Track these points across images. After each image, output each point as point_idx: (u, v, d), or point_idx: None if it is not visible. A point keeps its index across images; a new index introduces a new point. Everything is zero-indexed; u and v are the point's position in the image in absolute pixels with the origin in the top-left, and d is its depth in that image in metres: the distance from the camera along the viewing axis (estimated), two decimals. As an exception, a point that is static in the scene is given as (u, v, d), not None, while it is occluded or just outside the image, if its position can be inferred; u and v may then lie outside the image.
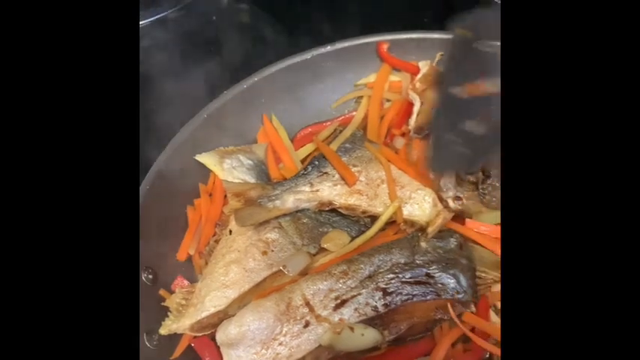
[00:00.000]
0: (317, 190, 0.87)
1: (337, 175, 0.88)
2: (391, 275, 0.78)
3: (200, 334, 0.82)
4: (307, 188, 0.87)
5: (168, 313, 0.83)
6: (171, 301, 0.84)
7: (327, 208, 0.87)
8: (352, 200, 0.86)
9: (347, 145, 0.93)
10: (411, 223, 0.83)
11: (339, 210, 0.87)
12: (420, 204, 0.83)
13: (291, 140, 1.03)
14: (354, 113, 1.03)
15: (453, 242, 0.82)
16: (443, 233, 0.83)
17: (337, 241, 0.84)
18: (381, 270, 0.79)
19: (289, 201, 0.86)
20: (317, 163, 0.90)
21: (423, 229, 0.83)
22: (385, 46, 1.03)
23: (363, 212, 0.86)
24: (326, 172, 0.89)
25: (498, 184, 0.82)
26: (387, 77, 1.04)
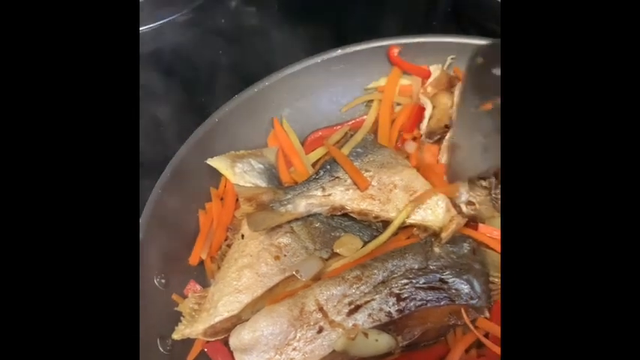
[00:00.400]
0: (329, 195, 0.87)
1: (349, 180, 0.88)
2: (405, 280, 0.78)
3: (213, 339, 0.82)
4: (319, 193, 0.87)
5: (181, 318, 0.83)
6: (184, 306, 0.85)
7: (339, 213, 0.87)
8: (364, 205, 0.85)
9: (358, 149, 0.92)
10: (424, 228, 0.83)
11: (351, 214, 0.87)
12: (433, 209, 0.82)
13: (302, 144, 1.03)
14: (365, 117, 1.03)
15: (466, 247, 0.81)
16: (456, 238, 0.82)
17: (350, 246, 0.84)
18: (395, 275, 0.79)
19: (301, 205, 0.86)
20: (329, 167, 0.90)
21: (436, 235, 0.83)
22: (396, 50, 1.03)
23: (376, 217, 0.85)
24: (338, 177, 0.88)
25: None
26: (398, 81, 1.04)
